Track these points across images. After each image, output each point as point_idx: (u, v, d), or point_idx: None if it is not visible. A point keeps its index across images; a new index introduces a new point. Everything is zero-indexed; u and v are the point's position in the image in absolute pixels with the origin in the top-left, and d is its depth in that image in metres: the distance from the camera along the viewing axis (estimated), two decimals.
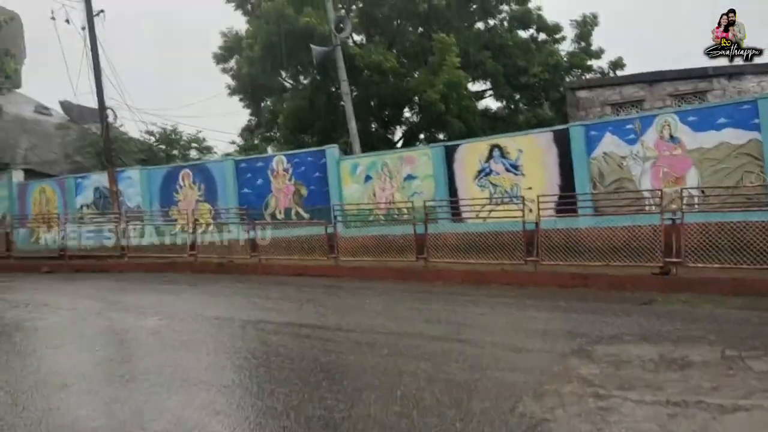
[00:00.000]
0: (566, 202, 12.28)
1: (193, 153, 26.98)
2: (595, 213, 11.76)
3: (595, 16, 23.82)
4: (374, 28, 24.07)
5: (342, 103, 19.16)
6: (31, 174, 21.53)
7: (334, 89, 21.53)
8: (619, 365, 5.05)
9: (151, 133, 24.56)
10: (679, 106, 15.86)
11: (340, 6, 23.49)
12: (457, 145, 14.44)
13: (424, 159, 14.66)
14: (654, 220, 10.02)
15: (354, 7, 24.19)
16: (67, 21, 18.32)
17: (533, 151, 13.35)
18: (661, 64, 56.84)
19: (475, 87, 25.24)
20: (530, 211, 11.01)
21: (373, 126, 24.27)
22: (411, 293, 10.06)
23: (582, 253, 10.46)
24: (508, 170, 13.56)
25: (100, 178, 18.87)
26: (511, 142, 13.72)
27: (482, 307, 8.43)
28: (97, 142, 21.53)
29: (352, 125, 16.82)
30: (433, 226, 12.63)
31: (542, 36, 24.75)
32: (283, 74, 24.75)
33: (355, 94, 23.07)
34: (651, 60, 49.98)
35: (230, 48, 24.52)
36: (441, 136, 23.14)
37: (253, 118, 26.41)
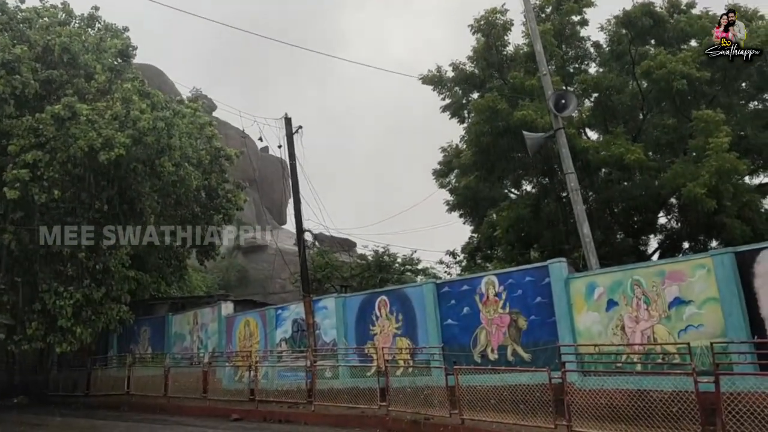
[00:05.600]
0: None
1: (410, 277, 24.46)
2: None
3: None
4: (613, 121, 19.78)
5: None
6: (242, 304, 20.40)
7: (565, 194, 17.51)
8: None
9: (363, 257, 22.66)
10: None
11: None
12: (759, 250, 9.24)
13: (700, 274, 9.71)
14: None
15: (587, 101, 20.34)
16: (261, 138, 17.74)
17: None
18: None
19: (757, 180, 19.14)
20: None
21: (618, 236, 19.39)
22: None
23: None
24: None
25: (299, 309, 16.74)
26: None
27: None
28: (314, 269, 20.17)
29: (585, 230, 12.36)
30: (729, 382, 7.87)
31: None
32: (506, 183, 21.68)
33: (591, 197, 18.77)
34: None
35: (449, 162, 22.57)
36: (714, 245, 17.41)
37: (474, 235, 23.36)
